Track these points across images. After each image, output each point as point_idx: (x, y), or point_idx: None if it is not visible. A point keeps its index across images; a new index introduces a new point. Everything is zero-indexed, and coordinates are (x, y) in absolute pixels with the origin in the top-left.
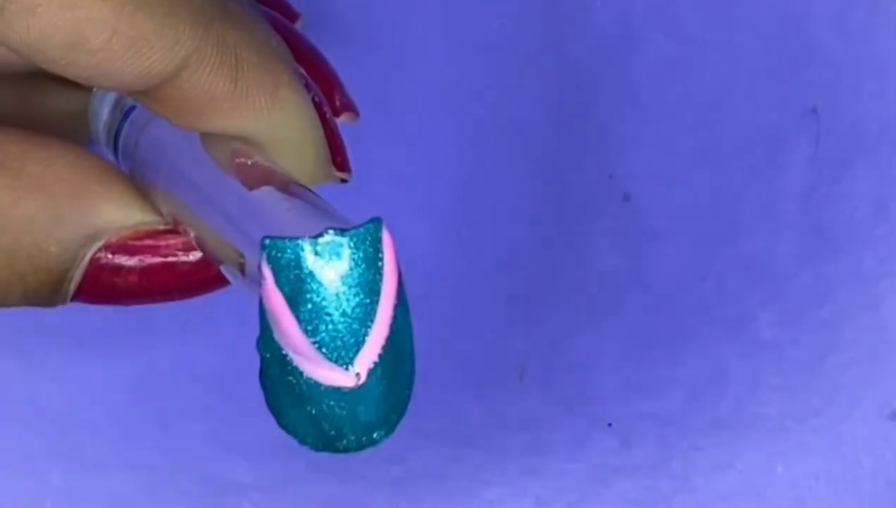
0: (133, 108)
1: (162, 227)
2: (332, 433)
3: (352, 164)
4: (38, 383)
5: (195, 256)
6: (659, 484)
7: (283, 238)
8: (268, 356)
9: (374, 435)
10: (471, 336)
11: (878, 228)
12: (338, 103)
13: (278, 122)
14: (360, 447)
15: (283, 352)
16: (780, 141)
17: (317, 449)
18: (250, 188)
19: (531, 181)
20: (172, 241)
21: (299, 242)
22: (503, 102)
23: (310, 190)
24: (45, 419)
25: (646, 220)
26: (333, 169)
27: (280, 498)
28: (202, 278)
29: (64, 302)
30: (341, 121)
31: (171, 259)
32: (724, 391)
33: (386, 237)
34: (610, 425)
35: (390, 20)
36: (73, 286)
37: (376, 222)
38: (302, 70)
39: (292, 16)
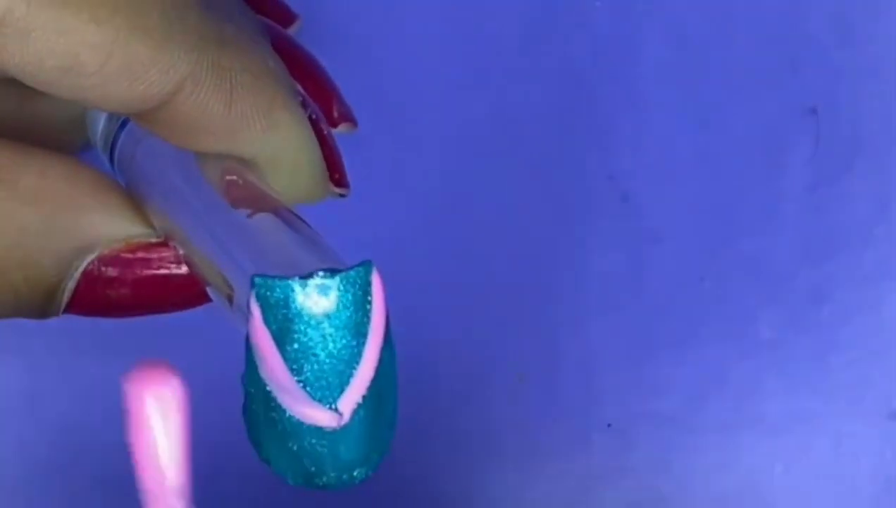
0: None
1: (154, 239)
2: (313, 469)
3: (351, 164)
4: (38, 383)
5: (187, 268)
6: (659, 485)
7: (274, 277)
8: (252, 391)
9: (355, 473)
10: (471, 337)
11: (877, 228)
12: (335, 114)
13: (274, 143)
14: (341, 484)
15: (268, 388)
16: (780, 141)
17: (296, 484)
18: (239, 209)
19: (531, 181)
20: (165, 253)
21: (289, 281)
22: (503, 102)
23: (299, 218)
24: (45, 419)
25: (646, 220)
26: (331, 185)
27: (279, 499)
28: (194, 291)
29: (57, 314)
30: (339, 131)
31: (163, 272)
32: (724, 391)
33: (375, 280)
34: (610, 425)
35: (390, 20)
36: (65, 298)
37: (366, 265)
38: (299, 87)
39: (290, 17)
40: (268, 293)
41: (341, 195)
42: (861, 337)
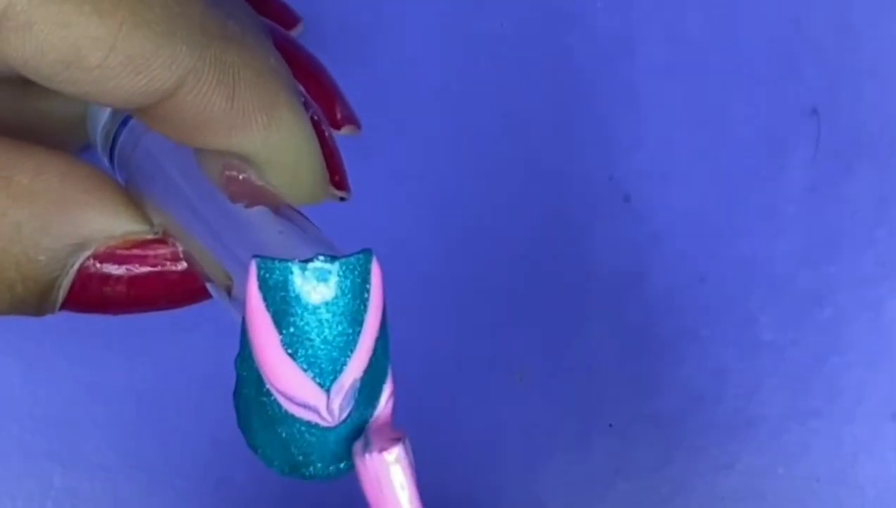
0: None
1: (150, 236)
2: (300, 458)
3: (351, 165)
4: (38, 383)
5: (183, 265)
6: (659, 485)
7: (274, 259)
8: (244, 374)
9: (342, 465)
10: (471, 336)
11: (878, 229)
12: (339, 116)
13: (274, 141)
14: (327, 476)
15: (260, 372)
16: (780, 141)
17: (283, 473)
18: (238, 204)
19: (532, 182)
20: (161, 250)
21: (289, 264)
22: (503, 102)
23: (299, 212)
24: (45, 419)
25: (646, 220)
26: (332, 187)
27: (278, 499)
28: (190, 289)
29: (53, 311)
30: (342, 134)
31: (158, 269)
32: (724, 391)
33: (375, 269)
34: (610, 425)
35: (390, 21)
36: (61, 295)
37: (367, 253)
38: (301, 88)
39: (293, 19)
40: (267, 275)
41: (342, 199)
42: (862, 338)
